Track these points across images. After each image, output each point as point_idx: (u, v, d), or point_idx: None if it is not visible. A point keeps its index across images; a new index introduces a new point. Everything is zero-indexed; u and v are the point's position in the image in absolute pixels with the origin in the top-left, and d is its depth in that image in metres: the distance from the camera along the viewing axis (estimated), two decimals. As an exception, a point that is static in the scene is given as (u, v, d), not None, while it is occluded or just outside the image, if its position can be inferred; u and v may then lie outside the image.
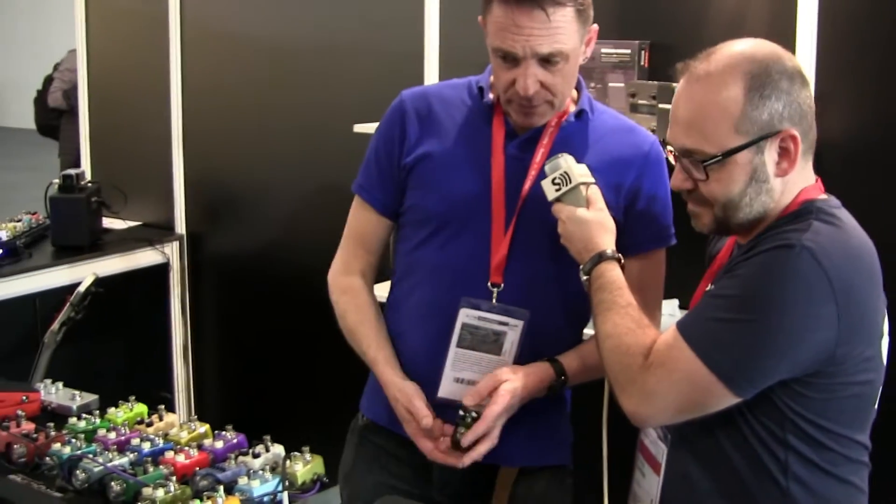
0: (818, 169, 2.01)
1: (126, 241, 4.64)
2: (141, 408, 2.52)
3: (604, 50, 3.32)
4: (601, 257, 2.08)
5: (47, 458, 2.25)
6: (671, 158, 2.02)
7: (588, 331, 2.16)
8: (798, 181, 1.95)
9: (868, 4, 3.02)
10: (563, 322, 2.32)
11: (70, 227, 4.37)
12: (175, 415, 2.50)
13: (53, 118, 7.91)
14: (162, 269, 4.75)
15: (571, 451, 2.44)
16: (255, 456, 2.22)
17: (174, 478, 2.13)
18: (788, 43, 2.80)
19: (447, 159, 2.30)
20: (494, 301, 2.24)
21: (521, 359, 2.26)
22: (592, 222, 2.12)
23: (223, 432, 2.33)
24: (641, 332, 1.97)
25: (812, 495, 1.91)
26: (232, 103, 4.58)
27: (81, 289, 3.44)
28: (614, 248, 2.11)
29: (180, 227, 4.80)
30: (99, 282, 3.50)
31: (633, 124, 2.40)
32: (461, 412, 2.20)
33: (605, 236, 2.12)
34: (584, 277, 2.10)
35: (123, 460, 2.20)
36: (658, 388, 1.90)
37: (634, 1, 3.47)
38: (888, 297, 1.94)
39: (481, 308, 2.24)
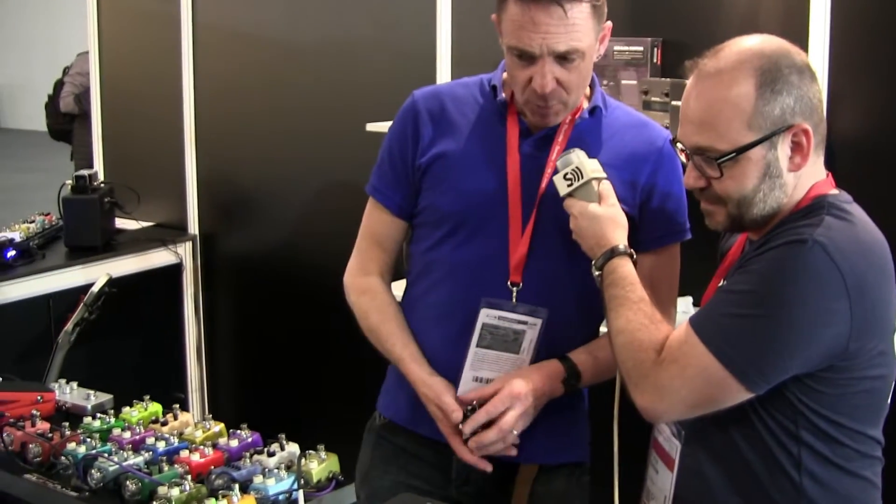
0: (831, 166, 2.01)
1: (139, 242, 4.65)
2: (155, 407, 2.52)
3: (616, 47, 3.32)
4: (613, 253, 2.09)
5: (62, 458, 2.25)
6: (682, 157, 2.02)
7: (603, 328, 2.16)
8: (810, 176, 1.95)
9: (880, 2, 3.01)
10: (580, 319, 2.32)
11: (83, 228, 4.38)
12: (189, 414, 2.51)
13: (66, 123, 7.89)
14: (175, 270, 4.75)
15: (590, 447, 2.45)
16: (271, 454, 2.22)
17: (189, 477, 2.13)
18: (801, 41, 2.79)
19: (462, 159, 2.30)
20: (514, 300, 2.25)
21: (539, 357, 2.27)
22: (604, 218, 2.12)
23: (238, 431, 2.33)
24: (654, 327, 1.97)
25: (825, 490, 1.91)
26: (244, 103, 4.59)
27: (95, 289, 3.45)
28: (626, 243, 2.11)
29: (193, 227, 4.80)
30: (112, 282, 3.52)
31: (647, 119, 2.39)
32: (468, 408, 2.22)
33: (617, 231, 2.12)
34: (597, 273, 2.10)
35: (138, 459, 2.20)
36: (671, 383, 1.90)
37: (647, -2, 3.48)
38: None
39: (502, 308, 2.24)
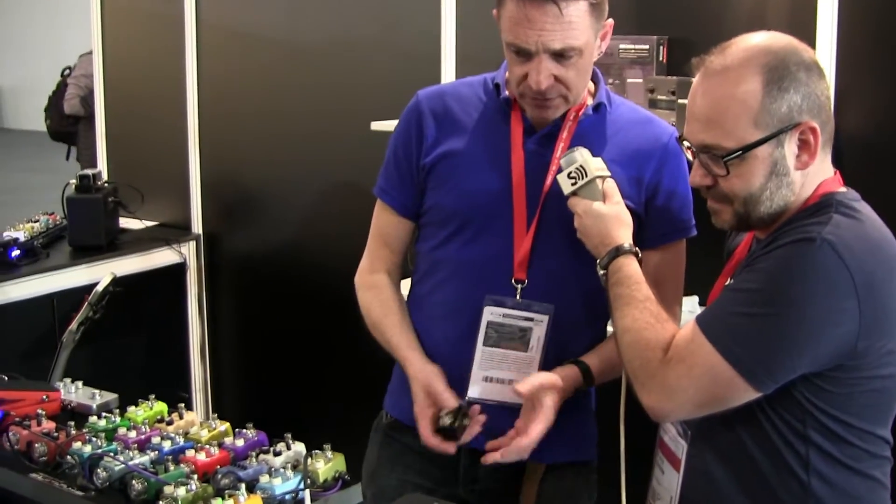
0: (838, 164, 2.00)
1: (143, 241, 4.64)
2: (161, 406, 2.52)
3: (622, 45, 3.31)
4: (618, 251, 2.08)
5: (68, 457, 2.24)
6: (689, 155, 2.01)
7: (610, 327, 2.16)
8: (817, 174, 1.94)
9: (887, -1, 3.01)
10: (588, 316, 2.32)
11: (87, 228, 4.38)
12: (194, 413, 2.50)
13: (69, 124, 7.88)
14: (179, 269, 4.75)
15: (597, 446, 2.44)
16: (277, 454, 2.21)
17: (195, 476, 2.12)
18: (808, 38, 2.79)
19: (466, 158, 2.30)
20: (518, 297, 2.24)
21: (549, 354, 2.27)
22: (609, 216, 2.11)
23: (244, 430, 2.33)
24: (660, 326, 1.97)
25: (833, 490, 1.90)
26: (248, 103, 4.58)
27: (99, 288, 3.45)
28: (631, 241, 2.11)
29: (197, 226, 4.80)
30: (116, 281, 3.52)
31: (651, 115, 2.39)
32: (464, 401, 2.24)
33: (622, 230, 2.11)
34: (602, 272, 2.10)
35: (144, 459, 2.19)
36: (678, 383, 1.90)
37: (652, -4, 3.47)
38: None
39: (505, 305, 2.24)
